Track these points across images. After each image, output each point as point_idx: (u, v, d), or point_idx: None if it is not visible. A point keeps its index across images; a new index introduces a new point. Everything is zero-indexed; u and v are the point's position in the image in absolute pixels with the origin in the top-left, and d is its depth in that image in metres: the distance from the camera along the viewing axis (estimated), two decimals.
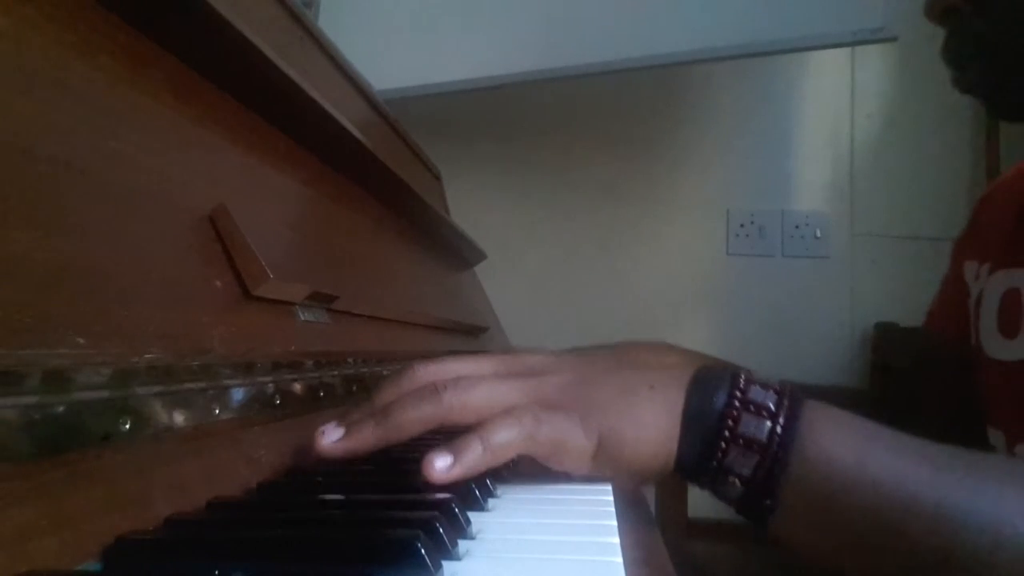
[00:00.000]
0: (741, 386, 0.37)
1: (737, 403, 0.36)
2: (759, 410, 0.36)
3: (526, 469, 0.39)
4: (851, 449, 0.34)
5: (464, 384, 0.37)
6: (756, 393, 0.36)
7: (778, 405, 0.36)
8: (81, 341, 0.24)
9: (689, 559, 1.14)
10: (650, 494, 1.29)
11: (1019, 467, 0.35)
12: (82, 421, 0.24)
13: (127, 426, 0.26)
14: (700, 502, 1.33)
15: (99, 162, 0.30)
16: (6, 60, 0.27)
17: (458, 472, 0.33)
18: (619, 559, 0.26)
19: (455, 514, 0.28)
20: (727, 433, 0.36)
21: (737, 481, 0.36)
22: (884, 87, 1.59)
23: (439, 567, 0.23)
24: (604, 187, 1.58)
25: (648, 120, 1.58)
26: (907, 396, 0.77)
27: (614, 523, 0.31)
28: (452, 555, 0.25)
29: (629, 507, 0.37)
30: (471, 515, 0.30)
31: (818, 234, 1.55)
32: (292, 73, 0.47)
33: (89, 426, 0.24)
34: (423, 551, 0.23)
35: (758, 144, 1.58)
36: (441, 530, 0.25)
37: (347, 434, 0.36)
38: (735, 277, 1.56)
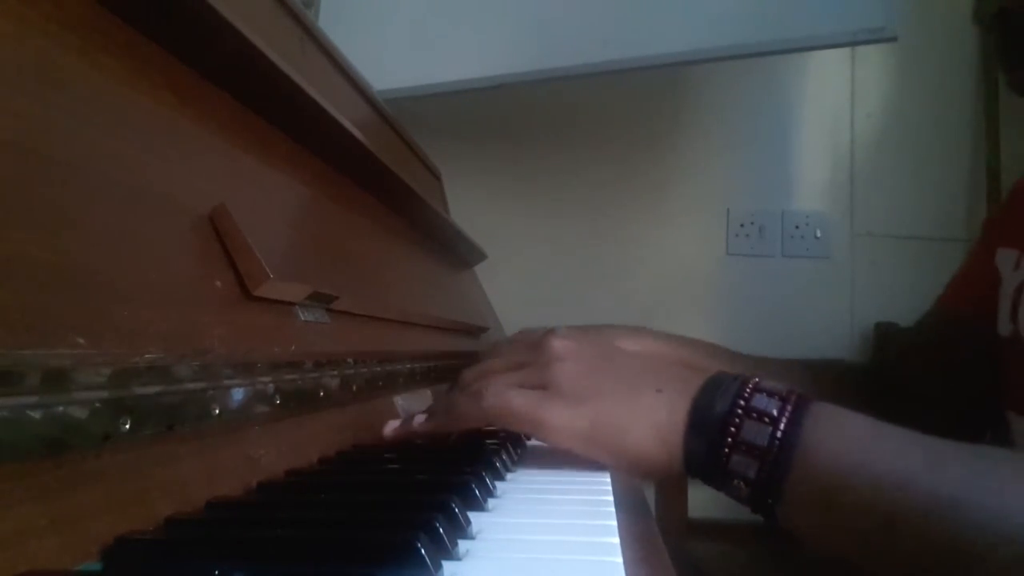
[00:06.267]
0: (746, 395, 0.38)
1: (740, 411, 0.38)
2: (761, 417, 0.37)
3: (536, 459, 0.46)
4: (852, 450, 0.35)
5: (481, 388, 0.43)
6: (759, 401, 0.38)
7: (780, 411, 0.37)
8: (81, 341, 0.24)
9: (689, 559, 1.14)
10: (650, 494, 1.29)
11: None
12: (82, 421, 0.24)
13: (127, 426, 0.26)
14: (700, 502, 1.33)
15: (99, 162, 0.30)
16: (6, 60, 0.27)
17: (421, 429, 0.44)
18: (619, 559, 0.26)
19: (455, 514, 0.28)
20: (730, 440, 0.37)
21: (742, 483, 0.37)
22: (884, 87, 1.58)
23: (439, 567, 0.23)
24: (604, 187, 1.58)
25: (648, 120, 1.58)
26: (912, 377, 0.76)
27: (614, 523, 0.31)
28: (452, 555, 0.25)
29: (629, 507, 0.37)
30: (471, 515, 0.30)
31: (818, 234, 1.55)
32: (292, 73, 0.47)
33: (89, 426, 0.24)
34: (423, 551, 0.23)
35: (758, 144, 1.58)
36: (441, 530, 0.25)
37: (403, 425, 0.47)
38: (735, 277, 1.56)
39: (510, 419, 0.42)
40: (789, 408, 0.37)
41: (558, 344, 0.44)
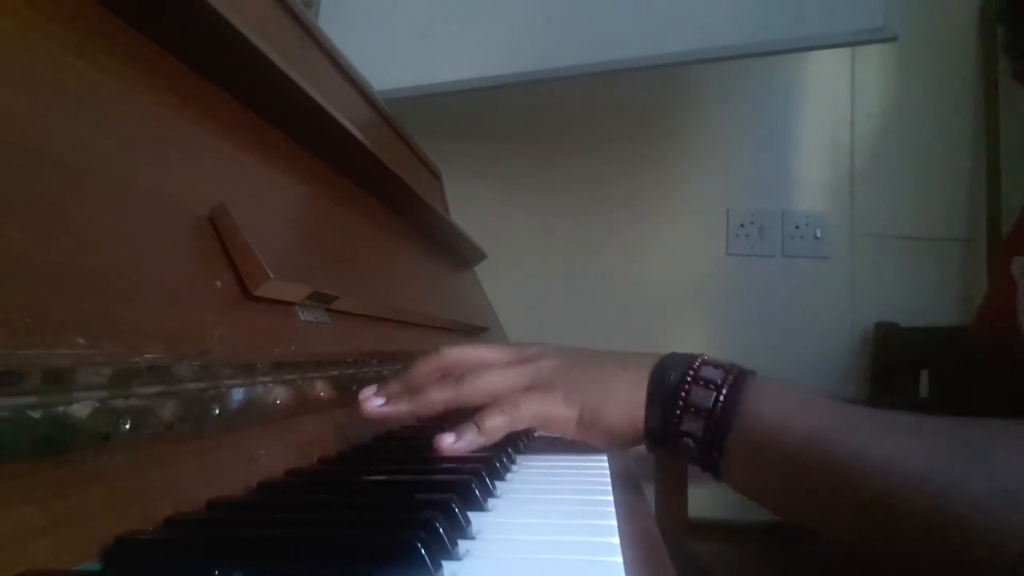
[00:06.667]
0: (695, 366, 0.44)
1: (689, 379, 0.44)
2: (707, 384, 0.43)
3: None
4: (783, 412, 0.41)
5: (478, 372, 0.46)
6: (706, 371, 0.44)
7: (723, 379, 0.43)
8: (81, 341, 0.24)
9: (689, 559, 1.14)
10: (650, 494, 1.29)
11: (962, 425, 0.38)
12: (82, 421, 0.24)
13: (127, 426, 0.26)
14: (700, 502, 1.33)
15: (99, 162, 0.30)
16: (7, 60, 0.27)
17: (461, 446, 0.43)
18: (619, 559, 0.26)
19: (455, 514, 0.28)
20: (681, 403, 0.43)
21: (691, 442, 0.43)
22: (884, 87, 1.58)
23: (439, 567, 0.23)
24: (604, 187, 1.58)
25: (648, 120, 1.58)
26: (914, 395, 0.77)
27: (614, 523, 0.31)
28: (452, 555, 0.25)
29: (629, 507, 0.37)
30: (471, 515, 0.30)
31: (818, 234, 1.55)
32: (292, 73, 0.47)
33: (89, 426, 0.24)
34: (423, 551, 0.23)
35: (758, 144, 1.58)
36: (441, 530, 0.25)
37: (386, 403, 0.46)
38: (735, 277, 1.56)
39: (530, 422, 0.46)
40: (731, 377, 0.43)
41: (538, 345, 0.50)
